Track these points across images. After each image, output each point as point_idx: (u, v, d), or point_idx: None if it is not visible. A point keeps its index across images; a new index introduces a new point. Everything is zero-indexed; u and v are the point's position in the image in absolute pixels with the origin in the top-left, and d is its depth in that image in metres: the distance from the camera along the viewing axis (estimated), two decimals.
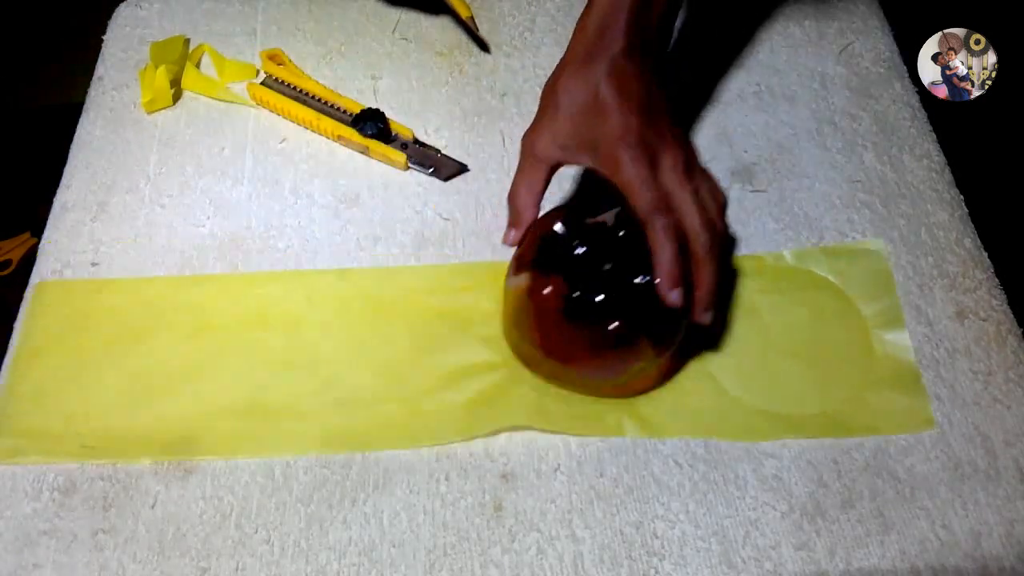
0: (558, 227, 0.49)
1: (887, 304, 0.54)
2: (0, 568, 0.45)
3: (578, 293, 0.47)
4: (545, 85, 0.48)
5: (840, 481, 0.48)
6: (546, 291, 0.47)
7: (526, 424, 0.49)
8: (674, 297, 0.45)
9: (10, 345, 0.53)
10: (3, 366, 0.52)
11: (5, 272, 1.26)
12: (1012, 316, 0.54)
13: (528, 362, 0.51)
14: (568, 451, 0.49)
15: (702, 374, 0.52)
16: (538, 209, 0.50)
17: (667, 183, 0.45)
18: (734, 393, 0.51)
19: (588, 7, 0.48)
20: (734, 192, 0.59)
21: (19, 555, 0.46)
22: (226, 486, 0.48)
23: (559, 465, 0.49)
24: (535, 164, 0.49)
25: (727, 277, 0.54)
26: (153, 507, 0.47)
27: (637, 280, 0.46)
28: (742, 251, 0.57)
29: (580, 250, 0.48)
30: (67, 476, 0.48)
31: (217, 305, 0.55)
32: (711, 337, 0.53)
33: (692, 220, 0.45)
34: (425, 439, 0.49)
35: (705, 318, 0.46)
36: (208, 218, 0.59)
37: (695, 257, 0.45)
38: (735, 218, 0.58)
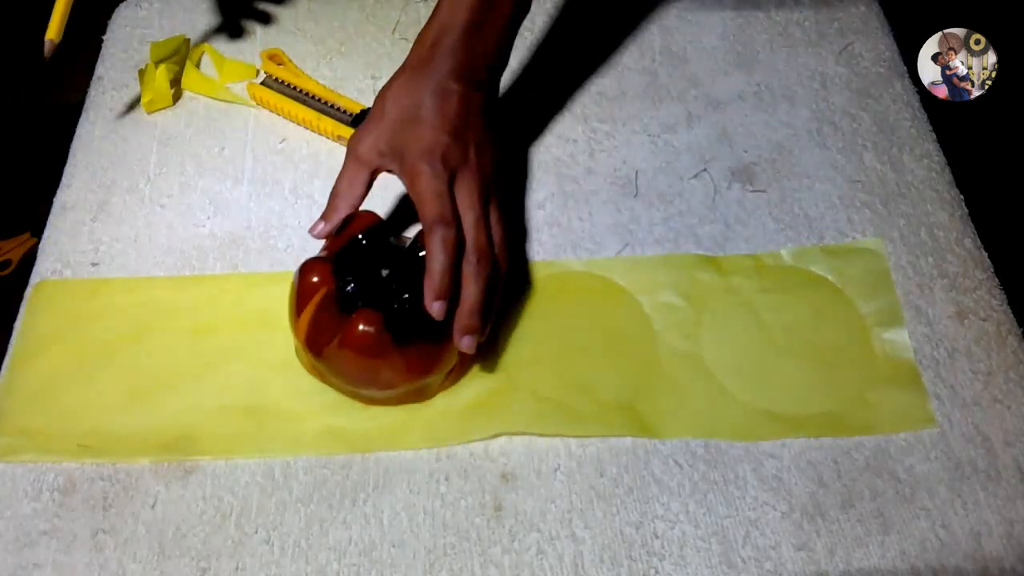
0: (360, 235, 0.49)
1: (886, 303, 0.54)
2: (0, 568, 0.45)
3: (340, 286, 0.47)
4: (381, 89, 0.50)
5: (840, 481, 0.48)
6: (314, 279, 0.47)
7: (524, 430, 0.49)
8: (435, 308, 0.46)
9: (9, 344, 0.53)
10: (2, 365, 0.52)
11: (5, 272, 1.26)
12: (1012, 316, 0.54)
13: (297, 352, 0.51)
14: (568, 451, 0.49)
15: (701, 374, 0.52)
16: (355, 208, 0.50)
17: (458, 201, 0.47)
18: (734, 393, 0.51)
19: (429, 20, 0.50)
20: (734, 192, 0.60)
21: (19, 555, 0.46)
22: (226, 486, 0.48)
23: (559, 465, 0.49)
24: (356, 165, 0.50)
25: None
26: (153, 507, 0.47)
27: (405, 296, 0.47)
28: (742, 251, 0.57)
29: (370, 258, 0.48)
30: (67, 476, 0.48)
31: (217, 305, 0.55)
32: (711, 337, 0.53)
33: (468, 238, 0.47)
34: (423, 442, 0.49)
35: (462, 342, 0.47)
36: (208, 218, 0.59)
37: (463, 274, 0.47)
38: (735, 218, 0.58)
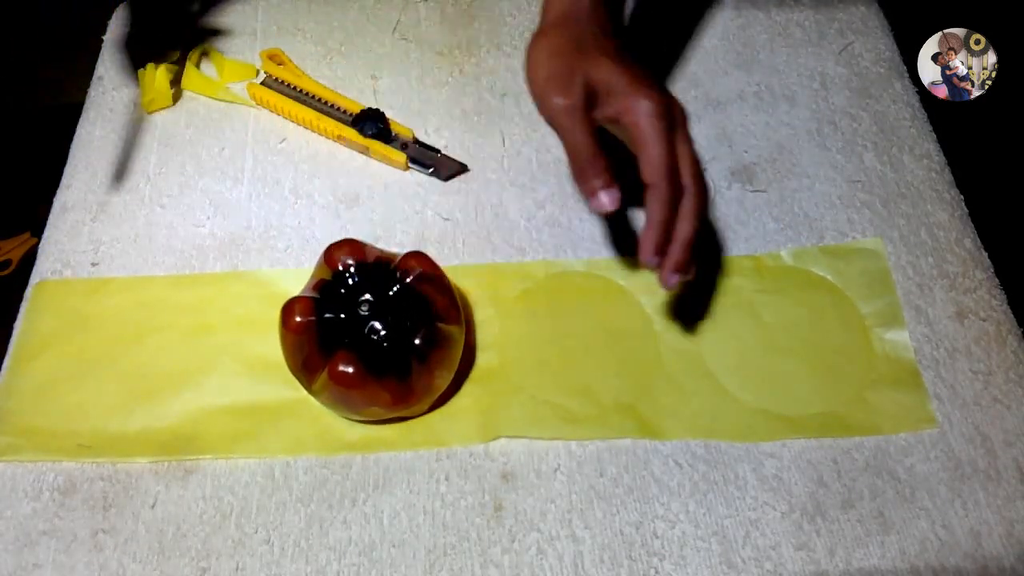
0: (350, 260, 0.49)
1: (886, 303, 0.54)
2: (0, 568, 0.45)
3: (321, 323, 0.47)
4: (527, 48, 0.48)
5: (840, 481, 0.48)
6: (297, 319, 0.47)
7: (524, 434, 0.49)
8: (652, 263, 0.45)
9: (10, 343, 0.53)
10: (2, 365, 0.52)
11: (5, 272, 1.26)
12: (1012, 316, 0.54)
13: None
14: (568, 451, 0.49)
15: (702, 374, 0.52)
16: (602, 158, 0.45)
17: (677, 143, 0.46)
18: (734, 393, 0.51)
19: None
20: (734, 192, 0.60)
21: (19, 555, 0.46)
22: (226, 486, 0.48)
23: (559, 465, 0.49)
24: (565, 116, 0.46)
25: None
26: (153, 507, 0.47)
27: (381, 331, 0.47)
28: (742, 251, 0.57)
29: (353, 289, 0.48)
30: (67, 476, 0.48)
31: (217, 305, 0.55)
32: (711, 338, 0.53)
33: (688, 175, 0.45)
34: (424, 443, 0.49)
35: (670, 280, 0.45)
36: (208, 218, 0.59)
37: (680, 210, 0.45)
38: (735, 218, 0.58)
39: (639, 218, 0.58)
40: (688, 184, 0.45)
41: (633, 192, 0.46)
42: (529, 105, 0.64)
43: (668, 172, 0.44)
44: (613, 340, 0.53)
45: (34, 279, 0.56)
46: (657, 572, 0.45)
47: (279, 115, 0.64)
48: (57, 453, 0.49)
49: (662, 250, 0.44)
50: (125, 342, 0.53)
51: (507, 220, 0.58)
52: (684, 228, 0.45)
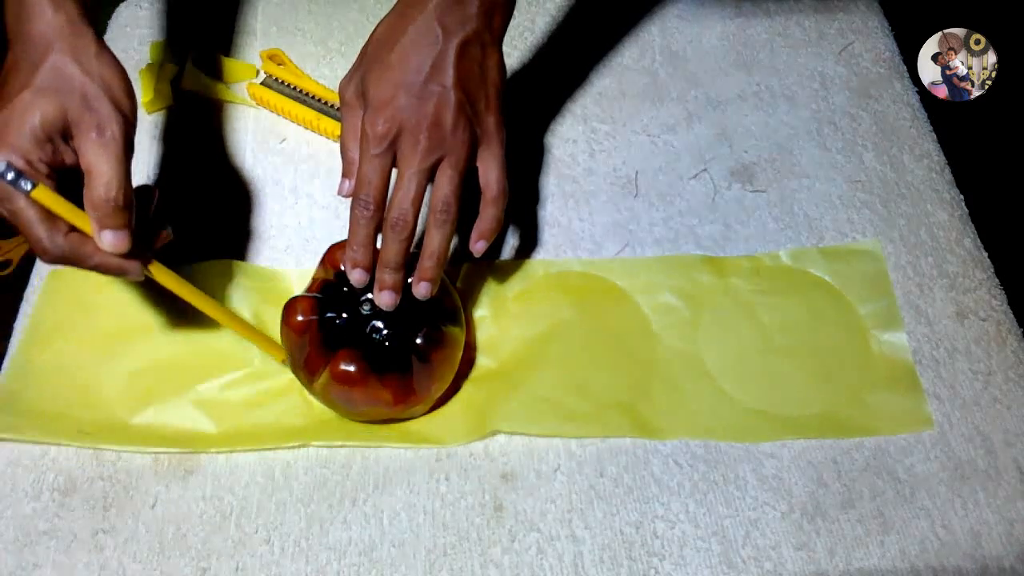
0: (343, 266, 0.48)
1: (884, 304, 0.54)
2: (0, 568, 0.45)
3: (324, 322, 0.47)
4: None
5: (840, 481, 0.48)
6: (299, 318, 0.47)
7: (522, 431, 0.49)
8: (355, 276, 0.47)
9: (16, 329, 0.53)
10: (8, 352, 0.53)
11: (5, 272, 1.26)
12: (1012, 316, 0.54)
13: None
14: (568, 451, 0.49)
15: (700, 375, 0.52)
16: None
17: (397, 158, 0.46)
18: (732, 394, 0.51)
19: None
20: (734, 192, 0.60)
21: (19, 555, 0.46)
22: (226, 486, 0.48)
23: (559, 465, 0.49)
24: (346, 110, 0.48)
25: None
26: (153, 507, 0.47)
27: (384, 330, 0.47)
28: (741, 251, 0.57)
29: (355, 289, 0.48)
30: (67, 476, 0.48)
31: (221, 300, 0.54)
32: (709, 338, 0.53)
33: (391, 201, 0.46)
34: (423, 440, 0.49)
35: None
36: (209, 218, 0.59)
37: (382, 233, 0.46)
38: (735, 218, 0.58)
39: (639, 221, 0.58)
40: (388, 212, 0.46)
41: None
42: (529, 105, 0.64)
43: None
44: (611, 340, 0.53)
45: (34, 279, 0.56)
46: (657, 572, 0.45)
47: (279, 115, 0.64)
48: (57, 436, 0.49)
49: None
50: (132, 334, 0.53)
51: (506, 220, 0.58)
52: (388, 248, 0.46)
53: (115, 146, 0.41)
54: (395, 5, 0.47)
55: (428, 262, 0.46)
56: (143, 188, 0.46)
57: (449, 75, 0.45)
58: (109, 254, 0.42)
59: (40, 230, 0.41)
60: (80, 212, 0.41)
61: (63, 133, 0.41)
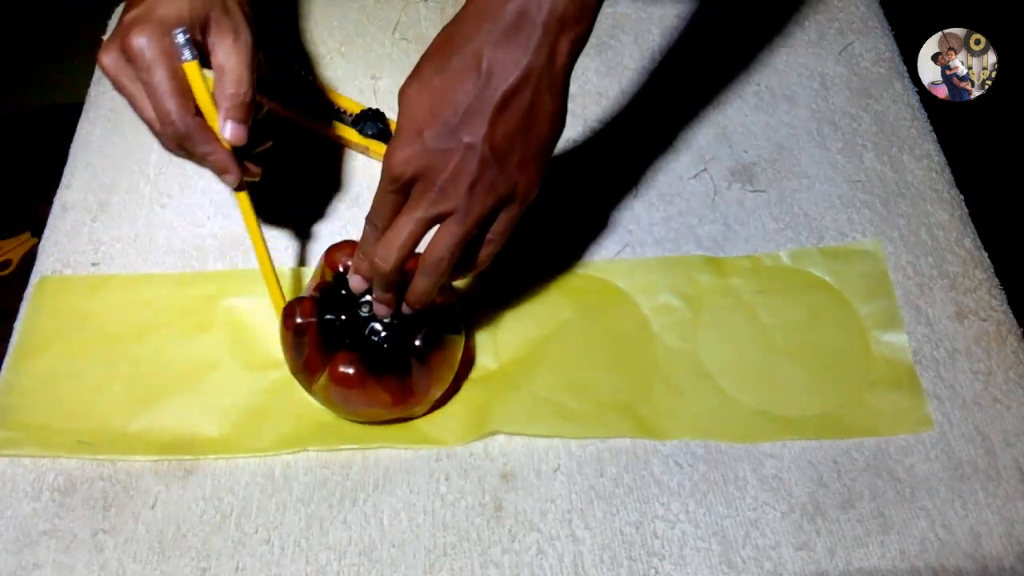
0: (351, 261, 0.48)
1: (884, 305, 0.54)
2: (0, 568, 0.45)
3: (323, 324, 0.47)
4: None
5: (840, 481, 0.48)
6: (298, 320, 0.47)
7: (522, 431, 0.49)
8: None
9: (11, 339, 0.53)
10: (3, 363, 0.52)
11: (5, 272, 1.26)
12: (1012, 316, 0.54)
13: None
14: (568, 451, 0.49)
15: (699, 375, 0.52)
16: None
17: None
18: (732, 394, 0.51)
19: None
20: (734, 192, 0.60)
21: (19, 555, 0.46)
22: (226, 486, 0.48)
23: (559, 465, 0.49)
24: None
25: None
26: (153, 507, 0.47)
27: (382, 332, 0.47)
28: (741, 251, 0.57)
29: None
30: (67, 476, 0.48)
31: (217, 303, 0.55)
32: (709, 339, 0.53)
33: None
34: (423, 440, 0.49)
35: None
36: (208, 218, 0.59)
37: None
38: (735, 218, 0.58)
39: (639, 221, 0.58)
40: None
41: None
42: None
43: None
44: (611, 341, 0.53)
45: (34, 279, 0.56)
46: (657, 572, 0.45)
47: (280, 115, 0.64)
48: (57, 449, 0.49)
49: None
50: (126, 339, 0.53)
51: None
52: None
53: (247, 50, 0.47)
54: (464, 5, 0.41)
55: (410, 299, 0.45)
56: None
57: (483, 127, 0.39)
58: (221, 148, 0.46)
59: (172, 103, 0.45)
60: (210, 99, 0.46)
61: (202, 29, 0.46)
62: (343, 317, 0.47)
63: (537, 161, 0.41)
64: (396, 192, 0.41)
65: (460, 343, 0.50)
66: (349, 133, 0.61)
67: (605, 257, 0.57)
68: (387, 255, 0.42)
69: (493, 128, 0.39)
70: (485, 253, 0.44)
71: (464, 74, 0.39)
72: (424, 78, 0.40)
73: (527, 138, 0.40)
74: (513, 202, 0.42)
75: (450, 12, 0.69)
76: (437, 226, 0.42)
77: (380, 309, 0.46)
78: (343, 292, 0.48)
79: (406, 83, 0.41)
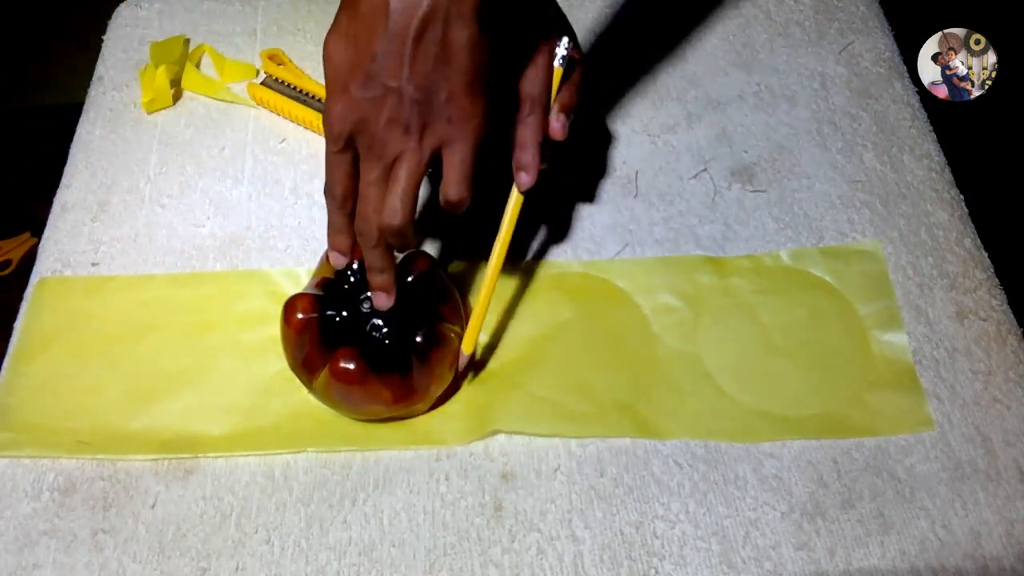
0: (355, 264, 0.49)
1: (884, 305, 0.54)
2: (0, 568, 0.45)
3: (324, 320, 0.47)
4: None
5: (840, 481, 0.48)
6: (299, 315, 0.47)
7: (522, 430, 0.49)
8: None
9: (11, 339, 0.53)
10: (3, 363, 0.52)
11: (5, 272, 1.26)
12: (1012, 316, 0.54)
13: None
14: (568, 451, 0.49)
15: (699, 375, 0.52)
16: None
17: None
18: (732, 394, 0.51)
19: None
20: (734, 192, 0.60)
21: (19, 555, 0.46)
22: (226, 486, 0.48)
23: (559, 465, 0.49)
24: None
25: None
26: (153, 507, 0.47)
27: (383, 328, 0.47)
28: (741, 251, 0.57)
29: (356, 287, 0.49)
30: (67, 476, 0.48)
31: (217, 303, 0.55)
32: (709, 339, 0.53)
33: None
34: (423, 440, 0.49)
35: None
36: (208, 218, 0.59)
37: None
38: (735, 218, 0.58)
39: (639, 221, 0.58)
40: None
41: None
42: None
43: None
44: (611, 341, 0.53)
45: (34, 279, 0.56)
46: (657, 572, 0.45)
47: (279, 115, 0.64)
48: (57, 449, 0.49)
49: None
50: (126, 340, 0.53)
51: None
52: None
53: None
54: None
55: (374, 279, 0.45)
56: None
57: (402, 68, 0.39)
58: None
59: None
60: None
61: None
62: (344, 313, 0.47)
63: (468, 94, 0.41)
64: (341, 151, 0.42)
65: (460, 341, 0.50)
66: None
67: (605, 257, 0.57)
68: (366, 221, 0.43)
69: (412, 68, 0.39)
70: (452, 192, 0.43)
71: (373, 18, 0.39)
72: (341, 27, 0.41)
73: (448, 72, 0.40)
74: (456, 139, 0.42)
75: None
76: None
77: (379, 300, 0.46)
78: (344, 288, 0.48)
79: (327, 36, 0.41)
